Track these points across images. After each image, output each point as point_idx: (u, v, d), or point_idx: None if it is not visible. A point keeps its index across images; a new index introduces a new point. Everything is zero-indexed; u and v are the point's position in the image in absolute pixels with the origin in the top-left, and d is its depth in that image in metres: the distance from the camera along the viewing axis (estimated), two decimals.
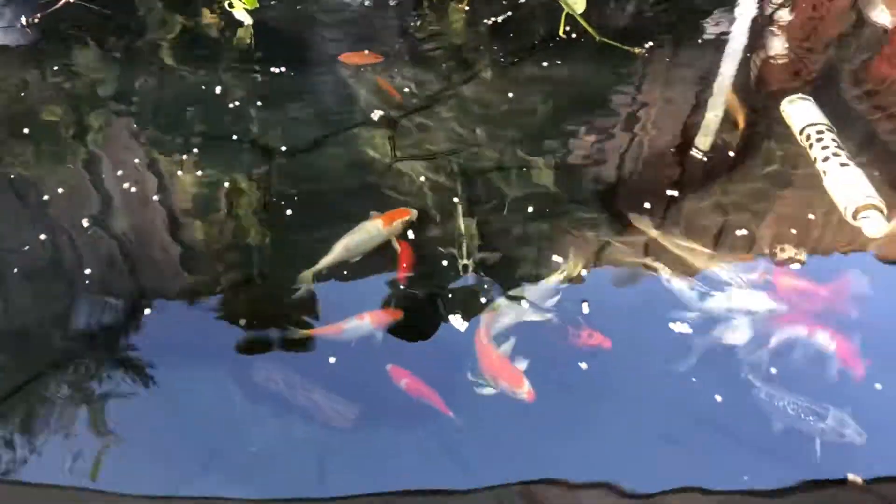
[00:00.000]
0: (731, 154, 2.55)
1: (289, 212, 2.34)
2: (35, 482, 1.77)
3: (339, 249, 2.18)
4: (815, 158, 2.44)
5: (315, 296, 2.12)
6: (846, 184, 2.33)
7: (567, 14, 2.90)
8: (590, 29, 2.88)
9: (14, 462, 1.79)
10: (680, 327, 1.99)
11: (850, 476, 1.73)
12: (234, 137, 2.60)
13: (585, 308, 2.03)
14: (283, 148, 2.57)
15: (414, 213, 2.29)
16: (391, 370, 1.94)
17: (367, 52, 2.85)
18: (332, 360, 1.94)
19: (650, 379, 1.91)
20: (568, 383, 1.90)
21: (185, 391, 1.96)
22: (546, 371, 1.89)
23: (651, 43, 2.99)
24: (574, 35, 2.99)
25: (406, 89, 2.82)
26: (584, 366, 1.90)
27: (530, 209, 2.34)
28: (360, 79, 2.86)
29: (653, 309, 2.05)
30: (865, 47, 3.11)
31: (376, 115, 2.69)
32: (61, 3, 2.97)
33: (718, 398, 1.84)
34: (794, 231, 2.29)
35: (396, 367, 1.95)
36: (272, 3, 3.22)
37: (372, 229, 2.22)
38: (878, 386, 1.87)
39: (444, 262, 2.17)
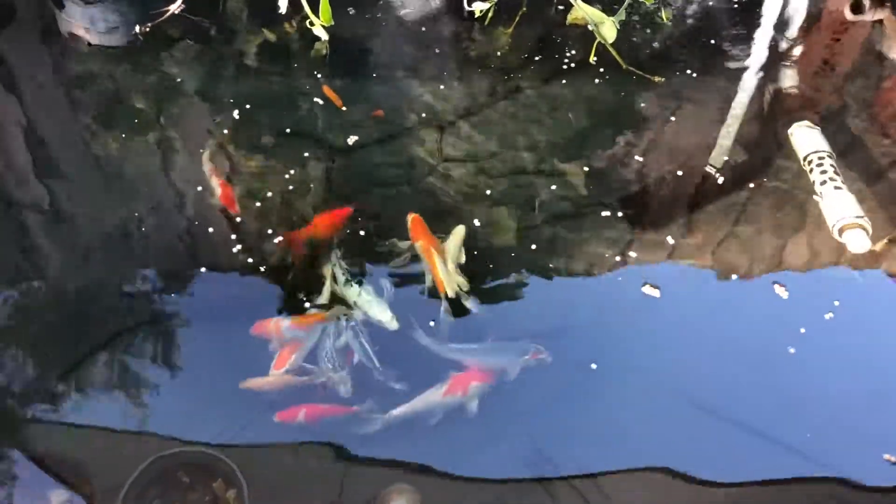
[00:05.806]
0: (741, 172, 2.84)
1: (346, 202, 2.66)
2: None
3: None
4: (813, 181, 2.74)
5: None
6: (837, 205, 2.63)
7: (598, 42, 3.21)
8: (617, 57, 3.18)
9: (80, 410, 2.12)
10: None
11: (886, 455, 2.01)
12: (301, 135, 2.93)
13: None
14: (344, 145, 2.90)
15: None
16: (279, 417, 2.03)
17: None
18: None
19: None
20: None
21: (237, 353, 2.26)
22: None
23: (670, 74, 3.26)
24: (603, 61, 3.28)
25: (455, 99, 3.16)
26: None
27: (562, 208, 2.70)
28: (413, 88, 3.20)
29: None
30: (876, 81, 3.36)
31: (428, 120, 3.03)
32: (168, 14, 3.30)
33: None
34: (791, 242, 2.60)
35: (283, 413, 2.04)
36: (349, 14, 3.55)
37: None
38: None
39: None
